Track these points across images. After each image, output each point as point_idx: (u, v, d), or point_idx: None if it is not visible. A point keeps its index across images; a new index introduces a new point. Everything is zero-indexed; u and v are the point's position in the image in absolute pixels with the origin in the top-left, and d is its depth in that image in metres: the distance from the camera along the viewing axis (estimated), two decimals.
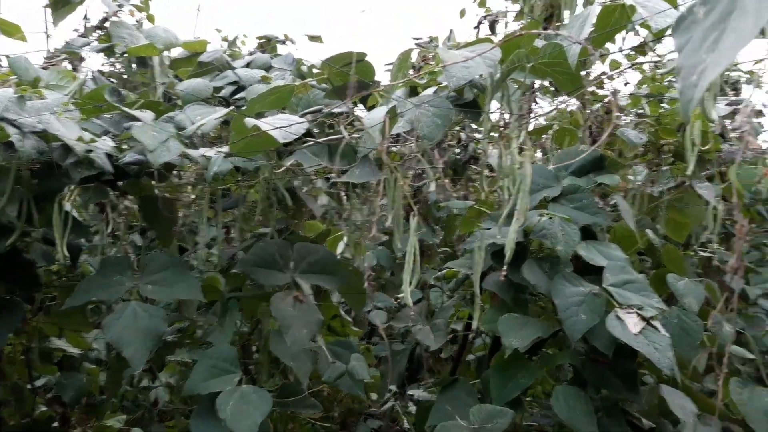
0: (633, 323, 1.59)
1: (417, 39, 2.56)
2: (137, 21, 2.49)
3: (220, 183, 1.89)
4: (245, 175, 1.89)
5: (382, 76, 1.47)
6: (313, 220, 2.26)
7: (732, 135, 1.89)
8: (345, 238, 2.20)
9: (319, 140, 1.52)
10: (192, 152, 1.60)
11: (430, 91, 1.46)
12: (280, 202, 1.94)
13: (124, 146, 1.72)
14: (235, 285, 1.96)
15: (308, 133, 1.56)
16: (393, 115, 1.33)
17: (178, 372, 2.54)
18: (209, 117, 1.48)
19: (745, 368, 2.90)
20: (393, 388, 2.62)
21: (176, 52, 2.31)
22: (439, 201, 2.43)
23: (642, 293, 1.69)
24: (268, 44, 2.61)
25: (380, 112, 1.39)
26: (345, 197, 2.08)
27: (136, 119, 1.61)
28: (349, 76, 1.24)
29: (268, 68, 2.12)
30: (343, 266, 1.96)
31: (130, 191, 1.97)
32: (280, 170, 1.65)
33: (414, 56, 2.04)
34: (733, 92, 2.39)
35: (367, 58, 1.38)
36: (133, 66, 2.27)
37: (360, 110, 1.71)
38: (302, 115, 1.51)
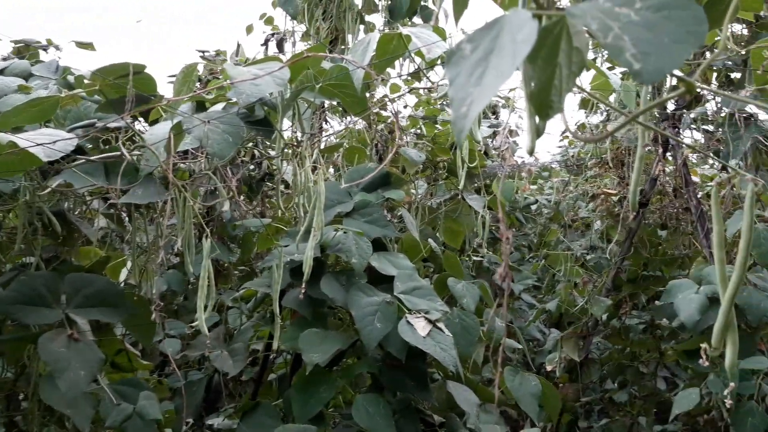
0: (421, 327, 1.72)
1: (203, 52, 2.46)
2: None
3: None
4: (1, 198, 1.62)
5: (165, 90, 1.38)
6: (88, 246, 2.02)
7: (494, 153, 2.16)
8: (128, 264, 2.00)
9: (92, 158, 1.36)
10: None
11: (218, 107, 1.41)
12: (46, 227, 1.69)
13: None
14: None
15: (79, 150, 1.39)
16: (178, 131, 1.25)
17: None
18: None
19: (515, 356, 3.32)
20: (190, 420, 2.45)
21: None
22: (235, 219, 2.35)
23: (428, 298, 1.83)
24: (27, 50, 2.28)
25: (164, 128, 1.30)
26: (127, 218, 1.90)
27: None
28: (126, 88, 1.14)
29: (27, 76, 1.85)
30: (128, 296, 1.78)
31: None
32: (45, 192, 1.45)
33: (200, 69, 1.95)
34: (493, 115, 2.75)
35: (147, 71, 1.28)
36: None
37: (141, 125, 1.58)
38: (70, 130, 1.34)
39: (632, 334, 3.40)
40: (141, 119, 1.59)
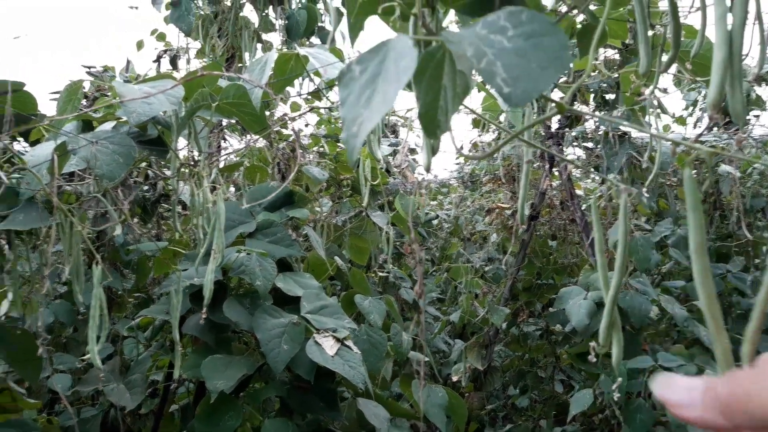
0: (329, 346, 1.71)
1: (89, 68, 2.33)
2: None
3: None
4: None
5: (47, 109, 1.29)
6: None
7: (395, 170, 2.22)
8: (9, 295, 1.84)
9: None
10: None
11: (107, 126, 1.34)
12: None
13: None
14: None
15: None
16: (63, 151, 1.18)
17: None
18: None
19: (421, 368, 3.38)
20: None
21: None
22: (129, 243, 2.23)
23: (335, 316, 1.83)
24: None
25: (47, 148, 1.22)
26: (7, 246, 1.75)
27: None
28: (4, 107, 1.06)
29: None
30: (9, 330, 1.64)
31: None
32: None
33: (87, 86, 1.85)
34: (393, 134, 2.82)
35: (26, 88, 1.20)
36: None
37: (20, 146, 1.47)
38: None
39: (530, 341, 3.58)
40: (20, 139, 1.48)
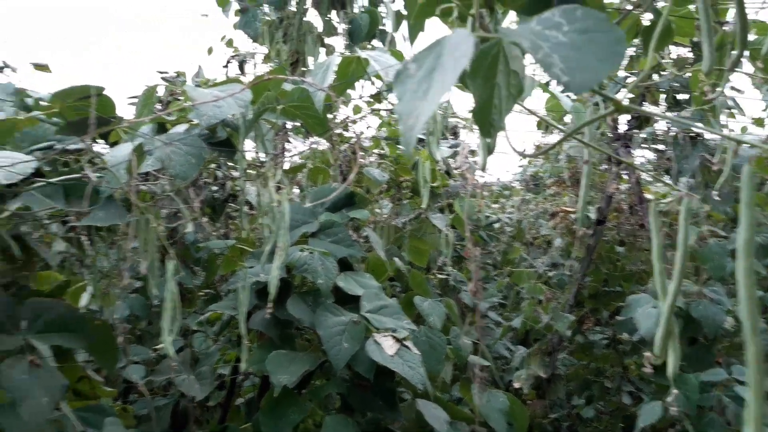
0: (389, 346, 1.72)
1: (163, 73, 2.46)
2: None
3: None
4: None
5: (123, 111, 1.38)
6: (47, 271, 1.98)
7: (456, 173, 2.21)
8: (89, 288, 1.96)
9: (51, 180, 1.35)
10: None
11: (180, 128, 1.42)
12: (4, 251, 1.65)
13: None
14: None
15: (38, 173, 1.37)
16: (140, 152, 1.25)
17: None
18: None
19: (483, 374, 3.34)
20: None
21: None
22: (199, 241, 2.34)
23: (395, 316, 1.84)
24: None
25: (125, 149, 1.30)
26: (88, 242, 1.87)
27: None
28: (87, 110, 1.14)
29: None
30: (88, 321, 1.74)
31: None
32: (3, 215, 1.42)
33: (161, 91, 1.95)
34: (453, 136, 2.81)
35: (105, 92, 1.28)
36: None
37: (101, 147, 1.57)
38: (29, 153, 1.33)
39: (596, 350, 3.47)
40: (101, 141, 1.58)
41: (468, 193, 2.00)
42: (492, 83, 0.49)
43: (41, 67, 1.86)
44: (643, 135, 2.62)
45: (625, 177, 2.94)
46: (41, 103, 1.55)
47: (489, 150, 0.69)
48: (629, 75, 2.23)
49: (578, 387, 3.58)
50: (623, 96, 0.63)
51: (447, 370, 2.31)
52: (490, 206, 4.31)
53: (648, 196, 2.97)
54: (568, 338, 3.41)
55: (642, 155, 2.86)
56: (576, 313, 3.29)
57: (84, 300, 1.97)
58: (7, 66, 2.24)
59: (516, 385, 3.07)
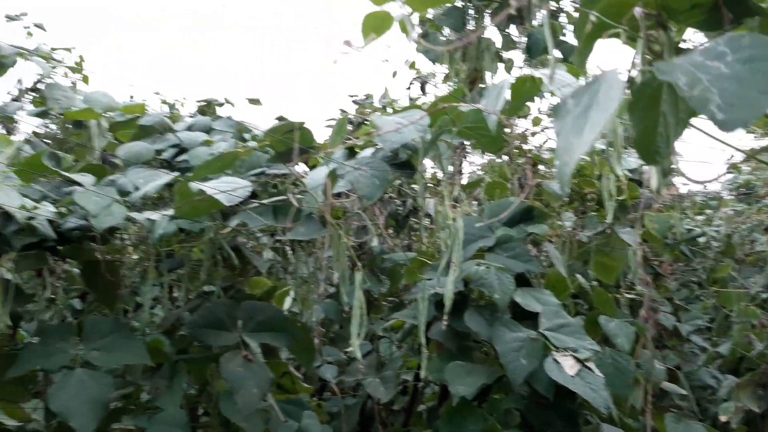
0: (569, 365, 1.67)
1: (353, 96, 2.69)
2: (72, 83, 2.51)
3: (165, 244, 1.90)
4: (190, 236, 1.91)
5: (319, 132, 1.57)
6: (258, 276, 2.28)
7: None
8: (292, 293, 2.21)
9: (263, 201, 1.57)
10: (136, 215, 1.62)
11: (367, 151, 1.55)
12: (225, 260, 1.95)
13: (62, 209, 1.71)
14: (181, 347, 1.93)
15: (253, 194, 1.61)
16: (333, 177, 1.40)
17: None
18: (154, 183, 1.52)
19: (683, 403, 3.03)
20: None
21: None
22: (384, 252, 2.49)
23: (576, 336, 1.77)
24: (208, 107, 2.67)
25: (321, 173, 1.46)
26: (291, 251, 2.12)
27: (77, 183, 1.62)
28: (290, 142, 1.32)
29: (209, 130, 2.17)
30: (291, 323, 1.97)
31: (71, 256, 1.95)
32: (226, 231, 1.69)
33: (351, 111, 2.14)
34: None
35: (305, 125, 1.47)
36: (68, 126, 2.28)
37: (301, 168, 1.77)
38: (247, 177, 1.57)
39: None
40: (302, 164, 1.79)
41: (662, 205, 1.85)
42: (655, 113, 0.48)
43: (254, 101, 2.16)
44: None
45: None
46: (256, 134, 1.81)
47: (664, 173, 0.67)
48: None
49: None
50: None
51: (635, 395, 2.15)
52: (693, 218, 3.90)
53: None
54: None
55: None
56: None
57: (287, 303, 2.23)
58: (226, 102, 2.64)
59: (722, 418, 2.73)
